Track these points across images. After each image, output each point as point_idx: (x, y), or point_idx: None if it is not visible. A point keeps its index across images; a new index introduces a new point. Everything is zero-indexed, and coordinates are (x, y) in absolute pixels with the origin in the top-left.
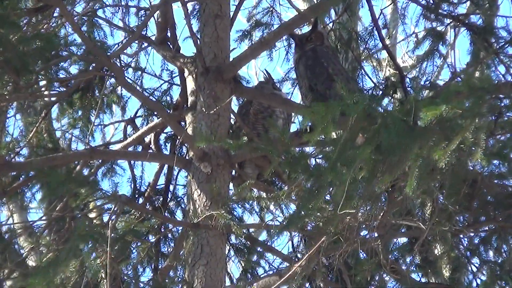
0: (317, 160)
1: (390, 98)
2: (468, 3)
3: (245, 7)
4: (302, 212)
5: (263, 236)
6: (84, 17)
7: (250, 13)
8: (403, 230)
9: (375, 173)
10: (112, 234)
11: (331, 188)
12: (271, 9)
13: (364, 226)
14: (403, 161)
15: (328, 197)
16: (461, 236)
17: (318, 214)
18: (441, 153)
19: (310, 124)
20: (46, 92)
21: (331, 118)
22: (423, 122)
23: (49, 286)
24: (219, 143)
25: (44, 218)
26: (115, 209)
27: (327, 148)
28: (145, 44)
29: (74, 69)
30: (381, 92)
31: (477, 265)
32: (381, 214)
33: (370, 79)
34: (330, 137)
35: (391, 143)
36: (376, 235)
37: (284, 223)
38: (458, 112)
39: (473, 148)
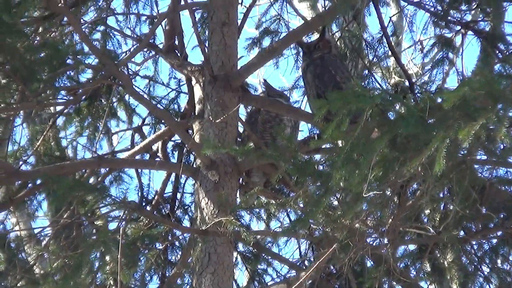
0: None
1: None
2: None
3: (252, 15)
4: (310, 214)
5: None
6: (91, 25)
7: (259, 21)
8: (409, 238)
9: (389, 171)
10: (123, 241)
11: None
12: (279, 17)
13: (373, 231)
14: (419, 154)
15: (335, 202)
16: (470, 243)
17: (326, 218)
18: (465, 132)
19: (318, 132)
20: (53, 101)
21: (347, 110)
22: (446, 104)
23: None
24: (225, 150)
25: (51, 225)
26: (125, 215)
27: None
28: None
29: (82, 77)
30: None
31: (486, 273)
32: (391, 218)
33: (380, 85)
34: (341, 134)
35: (409, 133)
36: (385, 241)
37: (292, 225)
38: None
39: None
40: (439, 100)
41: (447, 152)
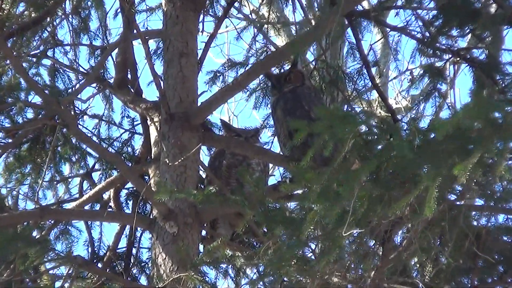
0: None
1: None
2: (469, 36)
3: (216, 43)
4: (278, 266)
5: None
6: (33, 58)
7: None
8: None
9: (370, 211)
10: None
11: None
12: (266, 48)
13: (353, 286)
14: (406, 192)
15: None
16: None
17: (299, 271)
18: (461, 167)
19: (291, 176)
20: None
21: (330, 134)
22: (440, 133)
23: None
24: (182, 195)
25: None
26: (70, 272)
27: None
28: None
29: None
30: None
31: None
32: (374, 271)
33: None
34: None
35: (398, 165)
36: None
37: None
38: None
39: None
40: (430, 134)
41: (438, 192)
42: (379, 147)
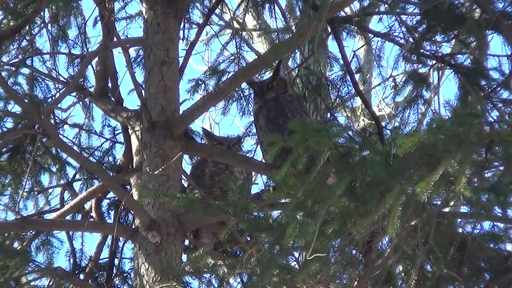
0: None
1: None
2: (454, 41)
3: (197, 50)
4: (263, 276)
5: None
6: (12, 67)
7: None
8: None
9: (347, 223)
10: None
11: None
12: (238, 55)
13: None
14: (381, 204)
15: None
16: None
17: (281, 281)
18: (423, 184)
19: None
20: None
21: (304, 148)
22: (401, 151)
23: None
24: (166, 198)
25: None
26: (51, 284)
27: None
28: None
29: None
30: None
31: None
32: (357, 281)
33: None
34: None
35: (373, 179)
36: None
37: None
38: (441, 140)
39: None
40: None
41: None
42: (354, 160)
